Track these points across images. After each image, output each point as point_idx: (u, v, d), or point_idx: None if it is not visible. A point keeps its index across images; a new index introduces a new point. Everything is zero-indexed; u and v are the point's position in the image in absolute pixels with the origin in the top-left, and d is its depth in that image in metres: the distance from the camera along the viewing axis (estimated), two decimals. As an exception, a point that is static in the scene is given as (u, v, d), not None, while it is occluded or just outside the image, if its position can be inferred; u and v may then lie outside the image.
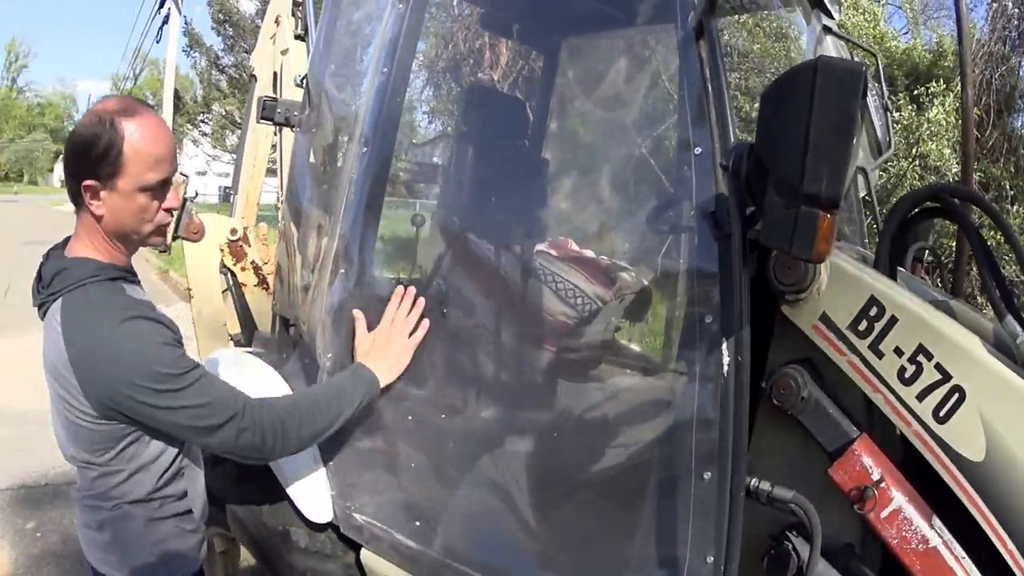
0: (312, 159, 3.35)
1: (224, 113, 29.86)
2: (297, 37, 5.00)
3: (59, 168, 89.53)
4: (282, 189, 4.75)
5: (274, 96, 4.16)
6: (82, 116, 2.01)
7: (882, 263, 2.16)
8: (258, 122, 3.97)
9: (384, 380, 2.45)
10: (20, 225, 30.53)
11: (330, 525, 2.70)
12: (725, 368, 1.89)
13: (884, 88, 3.43)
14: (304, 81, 3.73)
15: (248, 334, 4.52)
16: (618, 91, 3.23)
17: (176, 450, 2.18)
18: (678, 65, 2.07)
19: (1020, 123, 12.39)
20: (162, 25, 22.16)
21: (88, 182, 1.96)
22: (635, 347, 2.87)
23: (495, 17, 4.10)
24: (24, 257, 19.86)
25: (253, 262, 4.69)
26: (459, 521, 2.60)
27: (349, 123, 2.84)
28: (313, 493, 2.66)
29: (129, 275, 2.14)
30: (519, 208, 3.03)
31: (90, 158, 1.94)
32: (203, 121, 31.60)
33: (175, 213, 2.17)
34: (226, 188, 31.93)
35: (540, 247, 3.05)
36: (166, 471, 2.16)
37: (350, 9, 3.22)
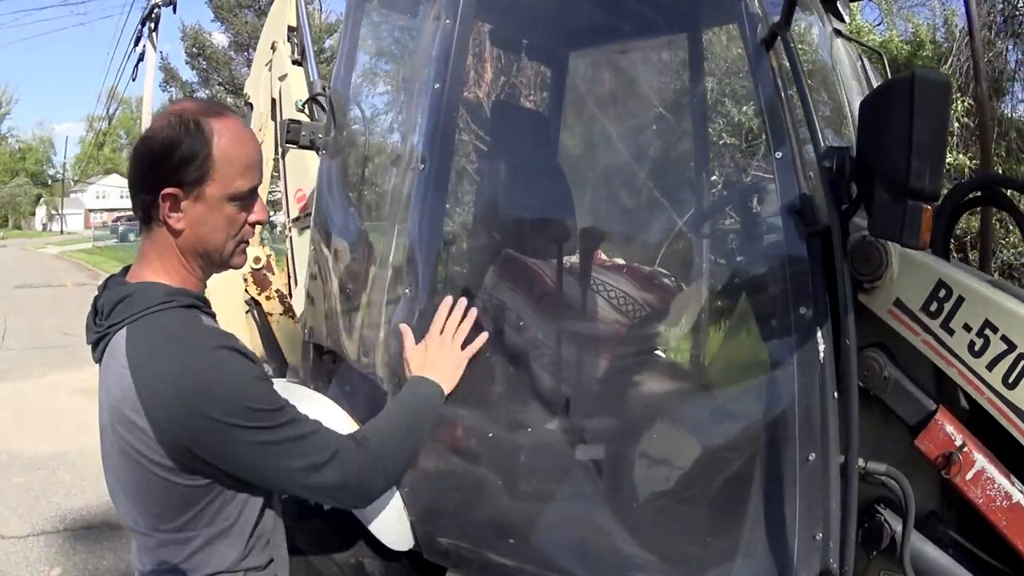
0: (344, 181, 3.29)
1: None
2: (294, 62, 4.97)
3: (40, 212, 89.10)
4: (287, 214, 4.71)
5: (298, 119, 4.10)
6: (154, 119, 1.76)
7: (938, 248, 2.30)
8: (282, 146, 3.91)
9: (446, 390, 2.22)
10: (9, 270, 30.03)
11: (410, 552, 2.60)
12: (821, 355, 2.04)
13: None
14: (305, 105, 3.79)
15: (277, 365, 4.43)
16: (685, 100, 3.25)
17: (256, 513, 1.85)
18: (749, 74, 2.20)
19: (1010, 107, 12.65)
20: (138, 62, 22.29)
21: (169, 190, 1.68)
22: (721, 342, 2.83)
23: (554, 25, 4.01)
24: (16, 301, 19.81)
25: (278, 290, 4.60)
26: (558, 532, 2.55)
27: (394, 142, 2.79)
28: (391, 520, 2.55)
29: (204, 304, 1.83)
30: (574, 222, 3.04)
31: (172, 163, 1.67)
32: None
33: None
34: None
35: (571, 259, 3.06)
36: (249, 538, 1.84)
37: (376, 30, 3.18)
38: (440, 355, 2.27)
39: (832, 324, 2.05)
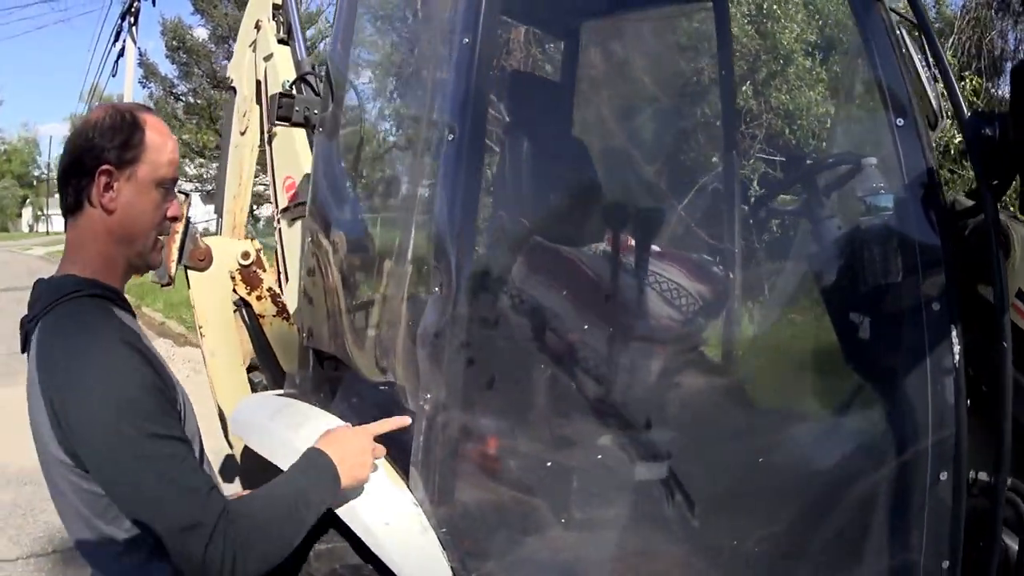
0: (346, 161, 3.04)
1: (182, 142, 29.60)
2: (280, 41, 4.71)
3: (27, 213, 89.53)
4: (276, 205, 4.38)
5: (290, 93, 3.73)
6: (89, 113, 1.95)
7: None
8: (273, 123, 3.81)
9: (343, 481, 2.01)
10: None
11: None
12: (956, 358, 1.82)
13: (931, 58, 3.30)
14: (293, 86, 3.71)
15: (271, 374, 4.07)
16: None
17: None
18: (858, 29, 2.07)
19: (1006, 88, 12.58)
20: (117, 59, 22.09)
21: (106, 167, 1.80)
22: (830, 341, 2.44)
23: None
24: (1, 304, 19.29)
25: (270, 289, 4.22)
26: (647, 567, 2.29)
27: (407, 115, 2.45)
28: (429, 569, 2.19)
29: (117, 298, 1.89)
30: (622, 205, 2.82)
31: (109, 144, 1.81)
32: (162, 152, 31.40)
33: (179, 235, 2.08)
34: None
35: (600, 246, 2.79)
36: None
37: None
38: (352, 439, 2.11)
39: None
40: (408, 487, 2.24)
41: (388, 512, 2.20)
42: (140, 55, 25.91)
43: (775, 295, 2.71)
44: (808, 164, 2.74)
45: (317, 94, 3.67)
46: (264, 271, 4.21)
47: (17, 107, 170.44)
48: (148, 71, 27.48)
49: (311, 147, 4.22)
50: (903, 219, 1.98)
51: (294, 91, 3.81)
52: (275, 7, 4.77)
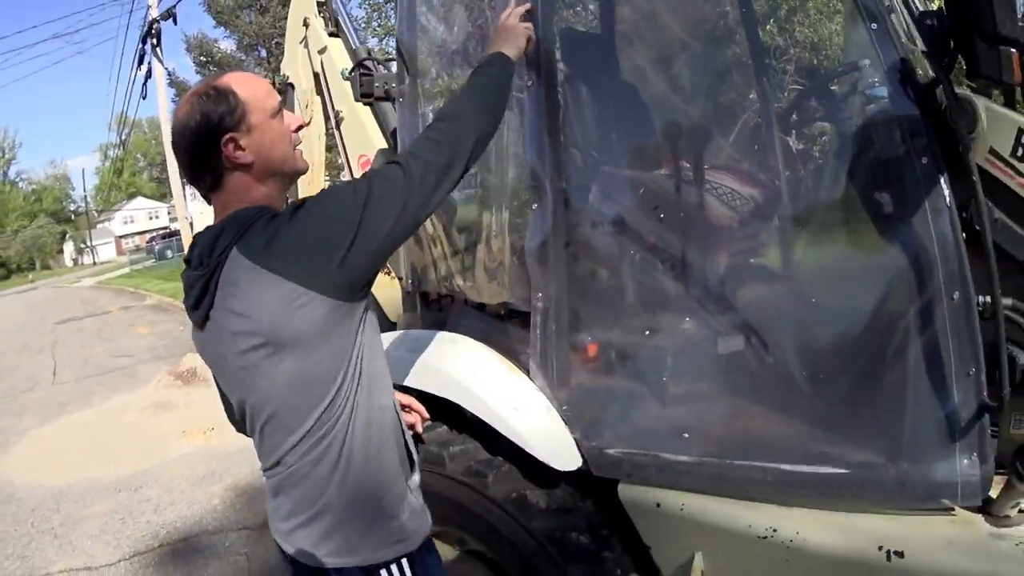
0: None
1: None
2: (331, 34, 5.08)
3: (68, 248, 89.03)
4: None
5: (369, 71, 4.13)
6: (176, 112, 2.07)
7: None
8: (357, 100, 4.07)
9: (511, 54, 2.38)
10: (46, 309, 28.90)
11: (570, 477, 2.65)
12: (947, 199, 2.18)
13: None
14: (352, 73, 4.04)
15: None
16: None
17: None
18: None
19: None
20: (145, 81, 22.24)
21: (228, 135, 1.96)
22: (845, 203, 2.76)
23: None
24: (61, 335, 19.34)
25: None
26: (734, 417, 2.62)
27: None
28: (555, 442, 2.60)
29: None
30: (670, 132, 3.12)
31: (216, 121, 1.95)
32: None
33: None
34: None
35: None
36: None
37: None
38: (502, 31, 2.47)
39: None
40: (529, 377, 2.67)
41: (515, 400, 2.63)
42: (169, 75, 26.09)
43: (815, 181, 3.14)
44: (826, 73, 3.13)
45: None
46: None
47: (41, 146, 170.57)
48: (180, 89, 27.60)
49: (379, 124, 4.63)
50: (893, 101, 2.32)
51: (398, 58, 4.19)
52: (319, 3, 5.18)
